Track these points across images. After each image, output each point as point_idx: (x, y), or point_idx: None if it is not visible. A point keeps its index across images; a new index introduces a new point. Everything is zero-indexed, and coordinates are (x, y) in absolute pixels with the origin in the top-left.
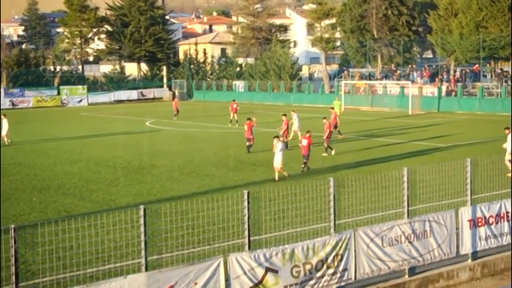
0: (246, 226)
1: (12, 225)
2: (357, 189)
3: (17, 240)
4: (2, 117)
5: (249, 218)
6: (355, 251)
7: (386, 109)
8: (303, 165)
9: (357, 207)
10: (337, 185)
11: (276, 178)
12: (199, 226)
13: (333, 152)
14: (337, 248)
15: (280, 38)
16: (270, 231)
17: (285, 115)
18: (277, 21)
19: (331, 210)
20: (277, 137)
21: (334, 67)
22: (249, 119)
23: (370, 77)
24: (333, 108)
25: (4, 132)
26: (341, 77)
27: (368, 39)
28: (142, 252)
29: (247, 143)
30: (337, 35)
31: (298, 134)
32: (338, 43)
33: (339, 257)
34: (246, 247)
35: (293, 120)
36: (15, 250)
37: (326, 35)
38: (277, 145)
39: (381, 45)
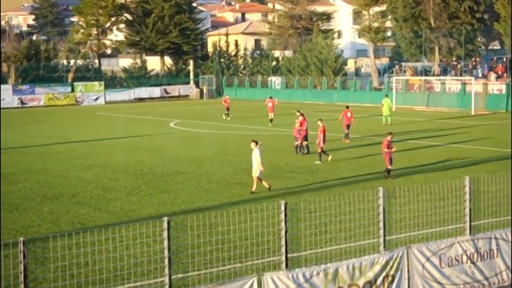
0: (283, 241)
1: (22, 238)
2: (411, 200)
3: (27, 255)
4: None
5: (286, 232)
6: (408, 272)
7: (444, 109)
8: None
9: (410, 221)
10: (387, 195)
11: (253, 189)
12: (229, 241)
13: (329, 159)
14: (388, 268)
15: (323, 28)
16: (311, 247)
17: (320, 120)
18: (319, 9)
19: (381, 225)
20: (255, 141)
21: (384, 61)
22: (302, 114)
23: (426, 72)
24: (347, 107)
25: None
26: (392, 72)
27: (424, 28)
28: (166, 270)
29: (305, 142)
30: (388, 24)
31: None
32: (389, 33)
33: (390, 279)
34: (283, 265)
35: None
36: (25, 266)
37: (375, 24)
38: (254, 150)
39: (439, 36)
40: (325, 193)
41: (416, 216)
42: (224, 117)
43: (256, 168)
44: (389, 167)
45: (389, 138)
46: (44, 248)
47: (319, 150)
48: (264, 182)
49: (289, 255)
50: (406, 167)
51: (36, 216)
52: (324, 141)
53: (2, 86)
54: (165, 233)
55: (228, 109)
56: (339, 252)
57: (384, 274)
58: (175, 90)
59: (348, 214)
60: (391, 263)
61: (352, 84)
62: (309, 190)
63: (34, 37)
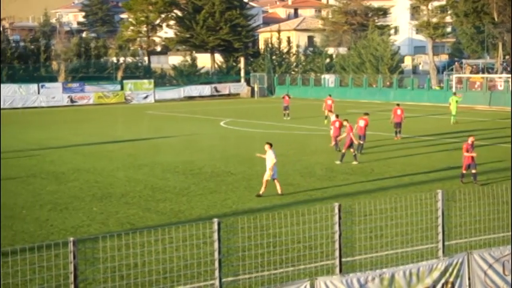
0: (337, 245)
1: (72, 238)
2: (472, 204)
3: (77, 255)
4: None
5: (340, 235)
6: (469, 279)
7: (508, 108)
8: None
9: (471, 225)
10: (446, 198)
11: (261, 192)
12: (281, 244)
13: (337, 162)
14: (447, 274)
15: (379, 24)
16: (365, 251)
17: (346, 120)
18: (375, 4)
19: (440, 229)
20: (269, 144)
21: (444, 58)
22: (366, 114)
23: (488, 69)
24: (398, 104)
25: None
26: (452, 70)
27: (486, 23)
28: (216, 273)
29: (361, 142)
30: (448, 19)
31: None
32: (449, 29)
33: (449, 286)
34: (337, 270)
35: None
36: (75, 266)
37: (434, 20)
38: (268, 153)
39: (503, 31)
40: (381, 195)
41: (477, 221)
42: (285, 117)
43: (270, 172)
44: (464, 172)
45: (470, 141)
46: (94, 248)
47: (343, 151)
48: (278, 186)
49: (343, 260)
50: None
51: (86, 216)
52: (350, 142)
53: (52, 83)
54: (216, 235)
55: (286, 108)
56: (395, 257)
57: (443, 281)
58: (225, 88)
59: (405, 217)
60: (450, 270)
61: (409, 83)
62: (364, 192)
63: (84, 34)
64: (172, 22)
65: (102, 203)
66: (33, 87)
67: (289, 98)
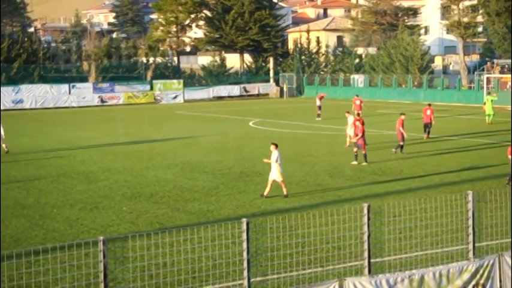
0: (366, 246)
1: (102, 237)
2: (503, 205)
3: (106, 254)
4: None
5: (369, 236)
6: (500, 281)
7: None
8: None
9: (502, 227)
10: (477, 199)
11: (265, 193)
12: (310, 244)
13: (353, 163)
14: (478, 276)
15: (409, 24)
16: (395, 252)
17: (358, 120)
18: (405, 3)
19: (470, 230)
20: (275, 144)
21: (475, 58)
22: (402, 114)
23: None
24: (429, 104)
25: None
26: (483, 70)
27: None
28: (245, 273)
29: (401, 143)
30: (479, 18)
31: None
32: (480, 29)
33: None
34: (366, 271)
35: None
36: (105, 265)
37: (465, 19)
38: (273, 153)
39: None
40: (410, 196)
41: (508, 223)
42: (317, 118)
43: (279, 173)
44: None
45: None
46: (123, 247)
47: (364, 152)
48: (268, 188)
49: (372, 260)
50: (499, 171)
51: (116, 215)
52: (364, 143)
53: (83, 84)
54: (244, 235)
55: (320, 108)
56: (425, 259)
57: (473, 283)
58: (254, 88)
59: (435, 218)
60: (481, 271)
61: (440, 83)
62: (393, 193)
63: (114, 35)
64: (201, 22)
65: (132, 203)
66: (64, 87)
67: (322, 98)
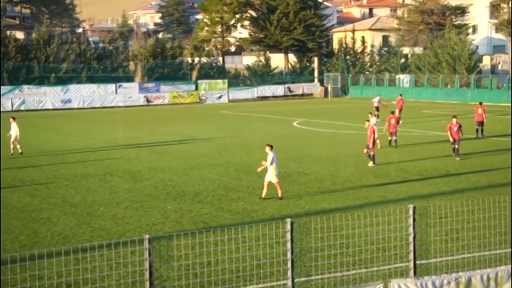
0: (411, 247)
1: (147, 236)
2: None
3: (152, 253)
4: (11, 120)
5: (414, 238)
6: None
7: None
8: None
9: None
10: None
11: (263, 195)
12: (354, 245)
13: (369, 164)
14: None
15: (456, 23)
16: (441, 254)
17: (368, 121)
18: (453, 2)
19: None
20: (270, 145)
21: None
22: (454, 116)
23: None
24: (481, 103)
25: (13, 137)
26: None
27: None
28: (289, 273)
29: (456, 146)
30: None
31: (377, 143)
32: None
33: None
34: (411, 272)
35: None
36: (150, 263)
37: None
38: (269, 155)
39: None
40: (457, 198)
41: None
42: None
43: (274, 175)
44: None
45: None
46: (168, 246)
47: (366, 151)
48: (265, 189)
49: (417, 262)
50: None
51: (161, 214)
52: (373, 144)
53: (129, 83)
54: (288, 235)
55: (400, 110)
56: (472, 261)
57: None
58: (299, 88)
59: (482, 220)
60: None
61: (488, 83)
62: (439, 194)
63: (160, 35)
64: (246, 22)
65: (177, 202)
66: (111, 87)
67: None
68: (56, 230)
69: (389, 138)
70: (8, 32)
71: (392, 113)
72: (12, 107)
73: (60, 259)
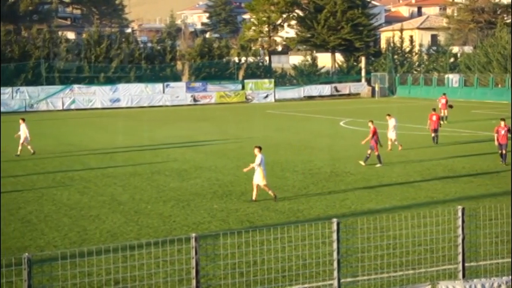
0: (460, 249)
1: (194, 234)
2: None
3: (198, 251)
4: (20, 121)
5: (463, 239)
6: None
7: None
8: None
9: None
10: None
11: (254, 198)
12: (401, 246)
13: (377, 165)
14: None
15: (508, 21)
16: (490, 257)
17: (371, 121)
18: (504, 0)
19: None
20: (259, 147)
21: None
22: (502, 119)
23: None
24: None
25: (22, 139)
26: None
27: None
28: (335, 273)
29: (501, 151)
30: None
31: (394, 142)
32: None
33: None
34: (460, 275)
35: (389, 127)
36: (197, 262)
37: None
38: (257, 157)
39: None
40: (507, 199)
41: None
42: (441, 122)
43: (262, 177)
44: None
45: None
46: (214, 245)
47: (376, 153)
48: (255, 191)
49: (466, 265)
50: None
51: (207, 213)
52: (376, 144)
53: (176, 83)
54: (335, 235)
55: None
56: None
57: None
58: (345, 88)
59: None
60: None
61: None
62: (489, 195)
63: (207, 35)
64: (293, 22)
65: (223, 201)
66: (159, 86)
67: (446, 101)
68: (104, 227)
69: (432, 135)
70: (60, 33)
71: (434, 110)
72: (62, 106)
73: (108, 256)
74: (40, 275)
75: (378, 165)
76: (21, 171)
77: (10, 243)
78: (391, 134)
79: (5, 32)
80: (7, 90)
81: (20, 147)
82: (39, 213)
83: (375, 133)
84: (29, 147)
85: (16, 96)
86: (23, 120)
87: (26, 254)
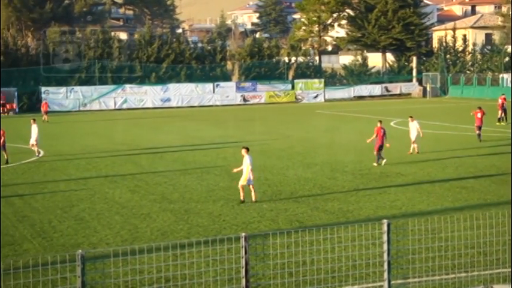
0: None
1: (243, 234)
2: None
3: (248, 251)
4: (31, 122)
5: None
6: None
7: None
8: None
9: None
10: None
11: (253, 199)
12: (453, 248)
13: (383, 162)
14: None
15: None
16: None
17: (380, 121)
18: None
19: None
20: (246, 148)
21: None
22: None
23: None
24: None
25: (33, 140)
26: None
27: None
28: (385, 275)
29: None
30: None
31: (414, 147)
32: None
33: None
34: None
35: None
36: (246, 261)
37: None
38: (245, 157)
39: None
40: None
41: None
42: (498, 122)
43: (246, 177)
44: None
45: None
46: (264, 244)
47: (375, 152)
48: (241, 192)
49: None
50: None
51: (256, 212)
52: (380, 143)
53: (226, 83)
54: (385, 236)
55: (504, 110)
56: None
57: None
58: (396, 88)
59: None
60: None
61: None
62: None
63: (257, 35)
64: (344, 21)
65: (272, 201)
66: (209, 86)
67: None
68: (155, 225)
69: (476, 132)
70: (112, 33)
71: (479, 108)
72: (115, 106)
73: (159, 254)
74: (93, 272)
75: (383, 162)
76: (73, 169)
77: (64, 240)
78: (413, 136)
79: (59, 33)
80: (61, 90)
81: (36, 148)
82: (91, 211)
83: (378, 133)
84: (35, 149)
85: (70, 96)
86: (34, 120)
87: (80, 250)
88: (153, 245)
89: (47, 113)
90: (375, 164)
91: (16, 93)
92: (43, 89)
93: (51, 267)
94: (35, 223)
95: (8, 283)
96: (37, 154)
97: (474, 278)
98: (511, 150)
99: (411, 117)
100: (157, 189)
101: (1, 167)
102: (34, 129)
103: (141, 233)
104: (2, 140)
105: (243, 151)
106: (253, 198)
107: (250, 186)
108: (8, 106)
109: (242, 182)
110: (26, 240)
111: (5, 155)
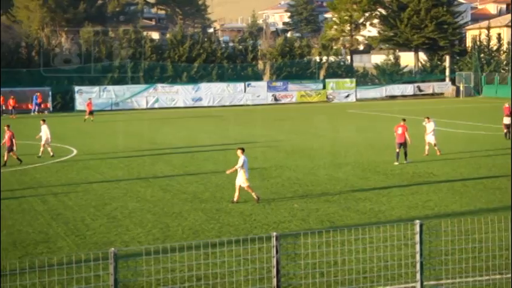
0: None
1: (274, 233)
2: None
3: (279, 250)
4: (41, 122)
5: None
6: None
7: None
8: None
9: None
10: None
11: (235, 199)
12: (487, 250)
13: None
14: None
15: None
16: None
17: (404, 120)
18: None
19: None
20: (242, 148)
21: None
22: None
23: None
24: None
25: (43, 140)
26: None
27: None
28: (418, 276)
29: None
30: None
31: (433, 146)
32: None
33: None
34: None
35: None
36: (277, 261)
37: None
38: (240, 158)
39: None
40: None
41: None
42: None
43: (244, 179)
44: None
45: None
46: (295, 244)
47: (397, 151)
48: (237, 193)
49: None
50: None
51: (287, 212)
52: (401, 141)
53: (257, 82)
54: (417, 237)
55: None
56: None
57: None
58: (429, 87)
59: None
60: None
61: None
62: None
63: (289, 34)
64: (375, 21)
65: (303, 200)
66: (240, 85)
67: None
68: (186, 224)
69: (504, 130)
70: (145, 33)
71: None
72: (146, 105)
73: (190, 253)
74: (125, 270)
75: (396, 163)
76: (106, 168)
77: (97, 238)
78: (430, 138)
79: (92, 33)
80: (94, 89)
81: (42, 149)
82: (123, 210)
83: (398, 131)
84: (49, 149)
85: (103, 95)
86: (44, 121)
87: (113, 248)
88: (185, 244)
89: (92, 112)
90: (397, 163)
91: (50, 93)
92: (76, 88)
93: (84, 265)
94: (68, 221)
95: (43, 280)
96: (51, 154)
97: (509, 280)
98: (511, 151)
99: (428, 117)
100: (189, 188)
101: (1, 169)
102: (44, 130)
103: (173, 231)
104: (7, 142)
105: (238, 152)
106: (235, 199)
107: (238, 186)
108: (42, 105)
109: (246, 183)
110: (60, 238)
111: (14, 156)
